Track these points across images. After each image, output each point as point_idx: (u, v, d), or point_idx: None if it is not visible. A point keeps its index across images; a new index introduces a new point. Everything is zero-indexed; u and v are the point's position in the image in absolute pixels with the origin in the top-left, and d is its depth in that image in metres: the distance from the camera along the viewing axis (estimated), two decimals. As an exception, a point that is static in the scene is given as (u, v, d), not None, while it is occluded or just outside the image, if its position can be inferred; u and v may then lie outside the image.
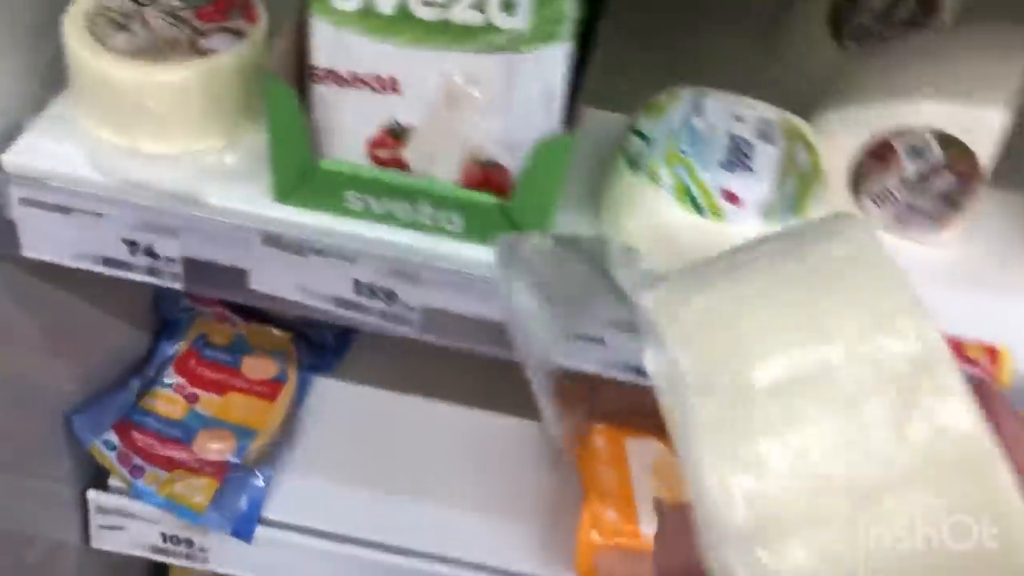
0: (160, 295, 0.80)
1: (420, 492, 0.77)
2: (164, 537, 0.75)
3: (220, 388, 0.77)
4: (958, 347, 0.49)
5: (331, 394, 0.82)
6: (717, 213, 0.47)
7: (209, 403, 0.76)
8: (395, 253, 0.51)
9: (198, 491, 0.71)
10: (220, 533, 0.73)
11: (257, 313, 0.81)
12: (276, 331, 0.81)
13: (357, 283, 0.52)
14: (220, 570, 0.76)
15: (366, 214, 0.51)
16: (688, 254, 0.47)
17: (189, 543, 0.75)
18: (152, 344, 0.80)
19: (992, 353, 0.49)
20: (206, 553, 0.75)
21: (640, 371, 0.53)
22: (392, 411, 0.82)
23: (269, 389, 0.78)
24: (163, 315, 0.80)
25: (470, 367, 0.85)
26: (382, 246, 0.51)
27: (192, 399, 0.76)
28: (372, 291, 0.52)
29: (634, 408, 0.77)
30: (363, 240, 0.51)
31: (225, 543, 0.74)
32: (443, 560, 0.73)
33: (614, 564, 0.67)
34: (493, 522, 0.75)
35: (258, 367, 0.79)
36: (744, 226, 0.47)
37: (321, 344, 0.81)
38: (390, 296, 0.52)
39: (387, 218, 0.51)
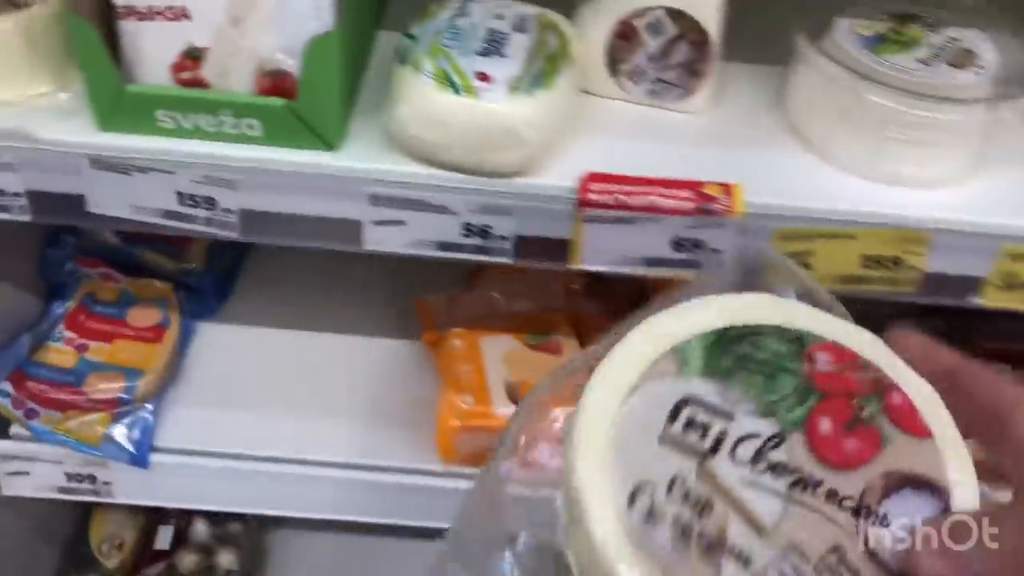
0: (44, 262, 0.86)
1: (300, 408, 0.84)
2: (68, 476, 0.81)
3: (108, 337, 0.84)
4: (698, 186, 0.57)
5: (213, 336, 0.89)
6: (471, 91, 0.55)
7: (98, 350, 0.83)
8: (208, 162, 0.58)
9: (92, 426, 0.78)
10: (120, 465, 0.79)
11: (141, 271, 0.88)
12: (158, 283, 0.88)
13: (180, 194, 0.59)
14: (125, 501, 0.82)
15: (178, 131, 0.58)
16: (450, 127, 0.55)
17: (92, 479, 0.81)
18: (43, 308, 0.86)
19: (727, 188, 0.57)
20: (110, 486, 0.82)
21: (445, 246, 0.61)
22: (271, 346, 0.89)
23: (153, 333, 0.84)
24: (48, 280, 0.86)
25: (343, 303, 0.93)
26: (196, 157, 0.58)
27: (82, 349, 0.83)
28: (194, 200, 0.60)
29: (486, 314, 0.84)
30: (179, 154, 0.58)
31: (125, 475, 0.81)
32: (323, 464, 0.80)
33: (470, 442, 0.75)
34: (369, 428, 0.82)
35: (143, 316, 0.86)
36: (494, 101, 0.55)
37: (201, 291, 0.88)
38: (210, 203, 0.60)
39: (196, 132, 0.58)
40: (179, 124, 0.58)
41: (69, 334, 0.84)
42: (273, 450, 0.81)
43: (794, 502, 0.33)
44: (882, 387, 0.36)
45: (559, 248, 0.59)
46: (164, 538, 0.97)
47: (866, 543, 0.32)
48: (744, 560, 0.32)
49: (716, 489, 0.33)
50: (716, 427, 0.34)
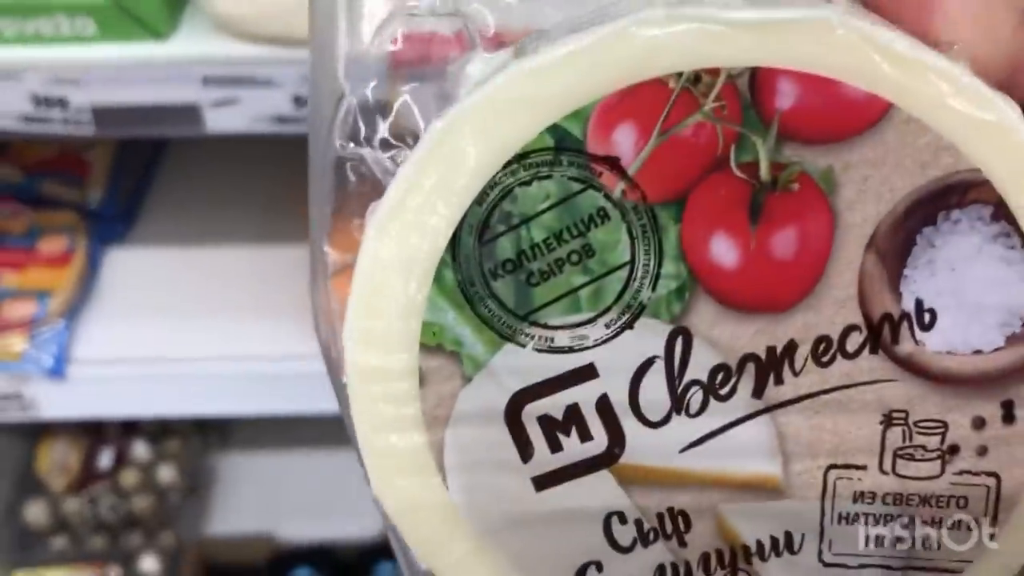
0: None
1: (209, 313, 0.89)
2: (-1, 403, 0.87)
3: (20, 266, 0.90)
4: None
5: (123, 258, 0.94)
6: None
7: (11, 279, 0.88)
8: (53, 64, 0.63)
9: (10, 344, 0.84)
10: (43, 383, 0.85)
11: (47, 203, 0.94)
12: (65, 213, 0.93)
13: (33, 97, 0.65)
14: (53, 415, 0.88)
15: (20, 38, 0.63)
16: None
17: (19, 397, 0.87)
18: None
19: None
20: (37, 403, 0.88)
21: (282, 120, 0.66)
22: (180, 263, 0.94)
23: (62, 259, 0.90)
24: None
25: (247, 219, 0.98)
26: (42, 61, 0.63)
27: (-3, 280, 0.89)
28: (48, 101, 0.65)
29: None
30: (26, 61, 0.63)
31: (49, 390, 0.87)
32: (237, 359, 0.86)
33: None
34: (278, 323, 0.89)
35: (51, 244, 0.91)
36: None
37: (105, 216, 0.94)
38: (63, 103, 0.65)
39: (38, 38, 0.63)
40: (22, 32, 0.63)
41: (-16, 268, 0.90)
42: (187, 352, 0.87)
43: (775, 407, 0.22)
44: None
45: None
46: (106, 458, 1.04)
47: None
48: (789, 545, 0.22)
49: (654, 486, 0.22)
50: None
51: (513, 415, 0.21)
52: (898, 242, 0.20)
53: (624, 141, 0.20)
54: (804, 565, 0.21)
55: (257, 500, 1.10)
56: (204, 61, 0.63)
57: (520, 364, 0.21)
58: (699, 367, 0.21)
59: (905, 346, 0.20)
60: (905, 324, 0.20)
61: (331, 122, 0.23)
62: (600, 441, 0.21)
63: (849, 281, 0.20)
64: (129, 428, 1.06)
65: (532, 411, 0.21)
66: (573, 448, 0.21)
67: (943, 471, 0.21)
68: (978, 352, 0.20)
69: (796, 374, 0.21)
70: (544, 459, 0.21)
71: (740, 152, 0.20)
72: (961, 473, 0.21)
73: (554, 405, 0.21)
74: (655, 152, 0.20)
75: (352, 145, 0.23)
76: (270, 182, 1.00)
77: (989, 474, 0.21)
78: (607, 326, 0.21)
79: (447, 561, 0.21)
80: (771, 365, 0.21)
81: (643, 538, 0.21)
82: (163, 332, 0.88)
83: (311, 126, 0.23)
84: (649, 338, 0.21)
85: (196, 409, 0.89)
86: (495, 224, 0.20)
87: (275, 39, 0.61)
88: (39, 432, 1.04)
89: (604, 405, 0.21)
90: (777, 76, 0.19)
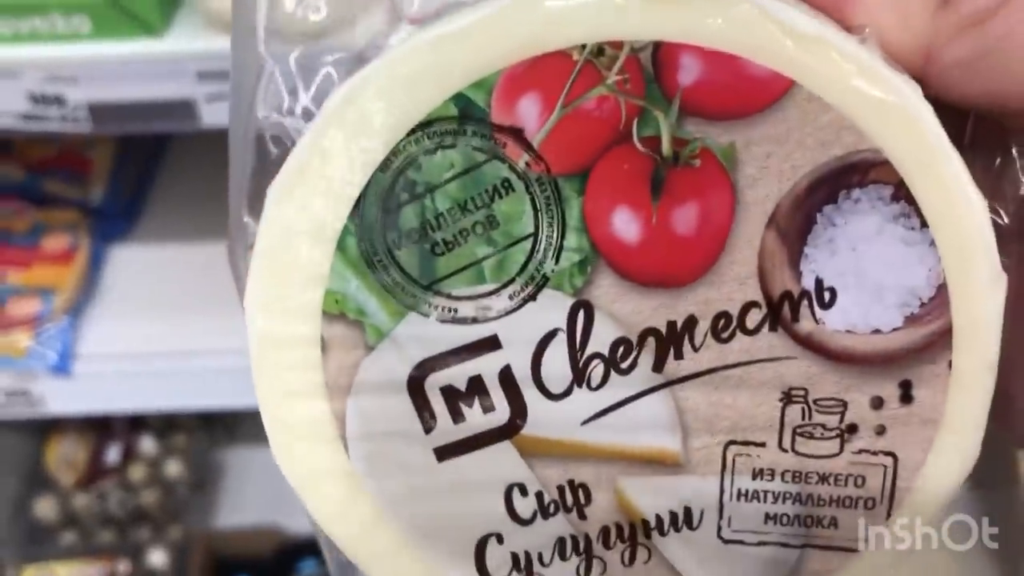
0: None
1: (213, 308, 0.90)
2: (5, 393, 0.88)
3: (25, 264, 0.91)
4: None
5: (126, 256, 0.95)
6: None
7: (15, 277, 0.90)
8: (49, 62, 0.64)
9: (15, 341, 0.85)
10: (49, 379, 0.86)
11: (49, 201, 0.95)
12: (67, 211, 0.94)
13: (30, 95, 0.66)
14: (60, 411, 0.89)
15: (15, 37, 0.64)
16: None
17: (26, 393, 0.88)
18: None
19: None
20: (43, 399, 0.89)
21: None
22: (182, 260, 0.95)
23: (65, 256, 0.91)
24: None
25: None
26: (38, 59, 0.64)
27: (1, 278, 0.90)
28: (45, 99, 0.66)
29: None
30: (22, 60, 0.64)
31: (55, 386, 0.88)
32: (240, 352, 0.87)
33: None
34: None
35: (55, 242, 0.92)
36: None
37: (107, 214, 0.95)
38: (60, 101, 0.66)
39: (34, 36, 0.64)
40: (17, 30, 0.64)
41: (-10, 265, 0.91)
42: (191, 346, 0.87)
43: (677, 381, 0.22)
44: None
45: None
46: (114, 453, 1.05)
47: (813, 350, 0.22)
48: (687, 521, 0.22)
49: (556, 458, 0.22)
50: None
51: (416, 385, 0.21)
52: (799, 220, 0.20)
53: (528, 112, 0.20)
54: (702, 541, 0.21)
55: (264, 493, 1.10)
56: (198, 56, 0.63)
57: (424, 334, 0.21)
58: (600, 340, 0.21)
59: (804, 324, 0.20)
60: (805, 302, 0.20)
61: (252, 92, 0.23)
62: (503, 413, 0.21)
63: (750, 258, 0.20)
64: (136, 423, 1.07)
65: (435, 382, 0.21)
66: (475, 419, 0.21)
67: (842, 450, 0.21)
68: (877, 332, 0.20)
69: (696, 349, 0.21)
70: (446, 430, 0.21)
71: (643, 126, 0.20)
72: (860, 452, 0.21)
73: (457, 376, 0.21)
74: (559, 124, 0.20)
75: (274, 115, 0.23)
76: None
77: (887, 453, 0.21)
78: (510, 297, 0.21)
79: (348, 530, 0.21)
80: (672, 340, 0.21)
81: (543, 510, 0.21)
82: (167, 327, 0.89)
83: (232, 96, 0.23)
84: (552, 310, 0.21)
85: (201, 403, 0.89)
86: (399, 192, 0.20)
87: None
88: (47, 428, 1.06)
89: (507, 377, 0.21)
90: (680, 51, 0.19)
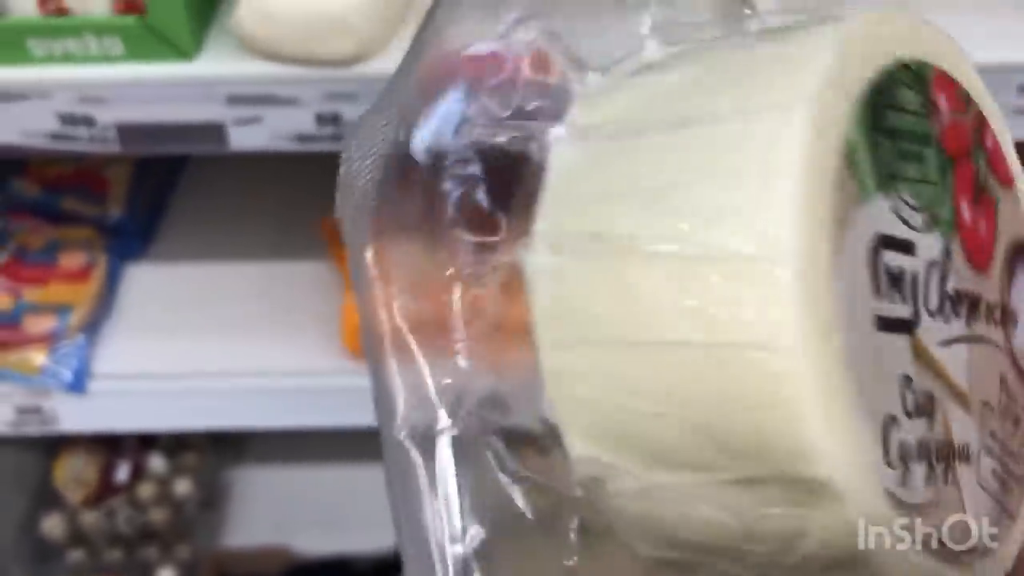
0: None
1: (228, 330, 0.91)
2: (18, 410, 0.88)
3: (42, 281, 0.91)
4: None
5: (142, 274, 0.96)
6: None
7: (32, 293, 0.90)
8: (80, 84, 0.65)
9: (30, 359, 0.85)
10: (62, 396, 0.87)
11: (65, 219, 0.95)
12: (83, 229, 0.95)
13: (60, 116, 0.66)
14: (72, 428, 0.90)
15: (49, 58, 0.65)
16: (278, 20, 0.61)
17: (39, 410, 0.88)
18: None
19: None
20: (56, 417, 0.89)
21: (303, 138, 0.67)
22: (198, 279, 0.95)
23: (81, 274, 0.91)
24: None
25: (263, 234, 0.99)
26: (70, 80, 0.65)
27: (18, 294, 0.90)
28: (74, 120, 0.66)
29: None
30: (54, 81, 0.65)
31: (69, 404, 0.88)
32: (253, 374, 0.87)
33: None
34: (294, 338, 0.90)
35: (71, 259, 0.93)
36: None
37: (123, 232, 0.95)
38: (89, 121, 0.66)
39: (67, 58, 0.65)
40: (50, 52, 0.64)
41: (5, 282, 0.91)
42: (205, 366, 0.88)
43: (973, 340, 0.25)
44: (981, 126, 0.26)
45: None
46: (123, 472, 1.05)
47: (1013, 357, 0.26)
48: (966, 456, 0.24)
49: (929, 370, 0.24)
50: (909, 272, 0.24)
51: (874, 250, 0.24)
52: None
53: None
54: None
55: (272, 513, 1.11)
56: (228, 80, 0.64)
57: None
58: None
59: None
60: None
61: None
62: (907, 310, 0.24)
63: None
64: (146, 442, 1.07)
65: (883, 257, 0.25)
66: (894, 306, 0.24)
67: None
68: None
69: None
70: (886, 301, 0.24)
71: None
72: None
73: (905, 262, 0.25)
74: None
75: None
76: (288, 198, 1.01)
77: None
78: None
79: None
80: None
81: (918, 410, 0.24)
82: (181, 347, 0.89)
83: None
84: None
85: (213, 423, 0.90)
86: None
87: (299, 59, 0.63)
88: (56, 445, 1.05)
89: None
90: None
